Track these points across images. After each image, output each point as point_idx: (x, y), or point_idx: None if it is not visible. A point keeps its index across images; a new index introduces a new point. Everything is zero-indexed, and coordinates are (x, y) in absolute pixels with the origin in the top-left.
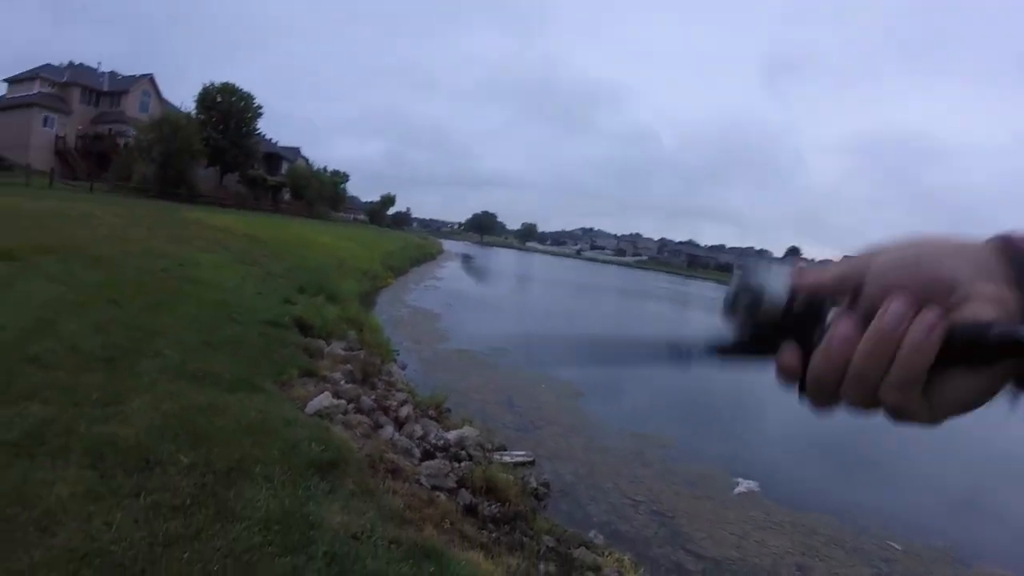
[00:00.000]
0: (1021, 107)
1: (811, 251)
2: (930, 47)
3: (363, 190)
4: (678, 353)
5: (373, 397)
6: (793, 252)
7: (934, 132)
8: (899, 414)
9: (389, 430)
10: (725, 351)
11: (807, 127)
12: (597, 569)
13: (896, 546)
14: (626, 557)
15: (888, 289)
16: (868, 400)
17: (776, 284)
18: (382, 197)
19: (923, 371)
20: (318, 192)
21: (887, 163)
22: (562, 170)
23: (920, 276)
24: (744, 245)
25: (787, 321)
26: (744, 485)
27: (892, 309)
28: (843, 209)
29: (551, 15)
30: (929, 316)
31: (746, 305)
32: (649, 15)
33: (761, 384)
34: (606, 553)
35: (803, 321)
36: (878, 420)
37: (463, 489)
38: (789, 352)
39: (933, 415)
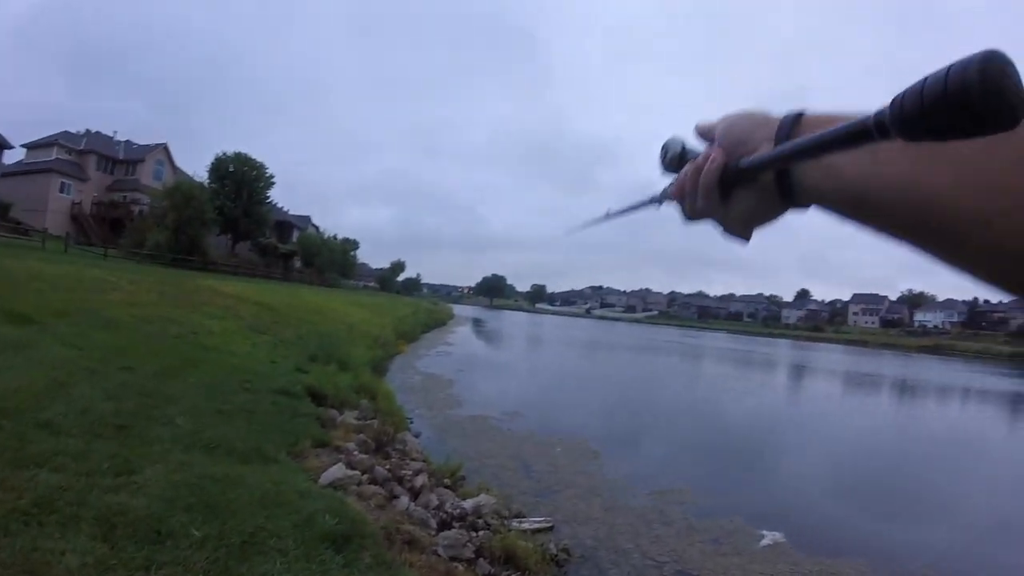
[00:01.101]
0: None
1: (820, 291)
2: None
3: (373, 257)
4: (655, 199)
5: (387, 467)
6: (803, 295)
7: None
8: (713, 217)
9: (404, 500)
10: (667, 168)
11: None
12: None
13: None
14: None
15: (716, 141)
16: (694, 207)
17: (676, 144)
18: (392, 264)
19: (713, 185)
20: (328, 260)
21: None
22: (569, 228)
23: (731, 135)
24: (753, 292)
25: (679, 163)
26: (769, 537)
27: (704, 151)
28: (846, 245)
29: (552, 77)
30: (716, 155)
31: (664, 153)
32: (644, 70)
33: (778, 431)
34: None
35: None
36: (907, 456)
37: (481, 559)
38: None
39: (733, 223)
